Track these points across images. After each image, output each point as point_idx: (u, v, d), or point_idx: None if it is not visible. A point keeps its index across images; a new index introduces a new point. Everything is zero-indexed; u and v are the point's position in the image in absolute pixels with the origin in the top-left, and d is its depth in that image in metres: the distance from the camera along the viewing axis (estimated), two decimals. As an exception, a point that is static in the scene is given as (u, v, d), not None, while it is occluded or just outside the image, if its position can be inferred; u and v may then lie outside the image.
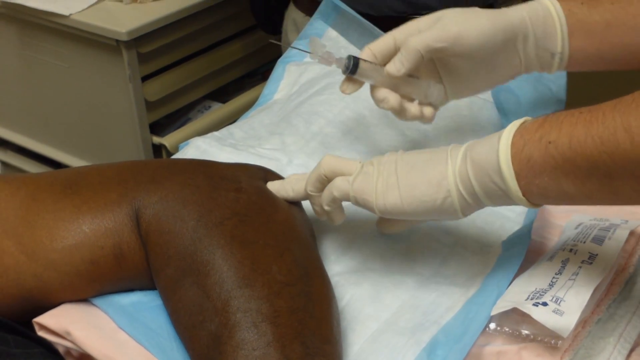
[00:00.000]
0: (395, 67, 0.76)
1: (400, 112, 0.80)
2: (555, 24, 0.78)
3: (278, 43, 0.85)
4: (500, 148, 0.62)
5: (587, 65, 0.81)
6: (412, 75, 0.79)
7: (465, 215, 0.67)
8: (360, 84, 0.79)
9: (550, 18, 0.78)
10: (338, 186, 0.69)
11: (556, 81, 1.04)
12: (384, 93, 0.78)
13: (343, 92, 0.80)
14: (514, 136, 0.63)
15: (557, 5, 0.78)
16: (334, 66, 1.06)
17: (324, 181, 0.71)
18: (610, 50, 0.79)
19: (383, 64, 0.78)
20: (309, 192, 0.72)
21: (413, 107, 0.80)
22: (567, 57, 0.79)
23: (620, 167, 0.57)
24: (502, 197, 0.64)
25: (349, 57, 0.77)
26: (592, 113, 0.59)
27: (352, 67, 0.77)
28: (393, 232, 0.75)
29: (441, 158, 0.66)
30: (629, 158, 0.56)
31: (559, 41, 0.78)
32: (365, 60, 0.77)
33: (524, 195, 0.63)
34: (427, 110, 0.81)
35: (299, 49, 0.81)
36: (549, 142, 0.60)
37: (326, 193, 0.70)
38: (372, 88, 0.80)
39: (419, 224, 0.74)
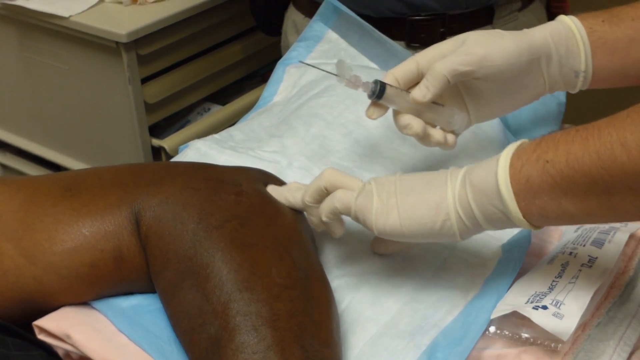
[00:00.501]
0: (421, 92, 0.75)
1: (423, 138, 0.78)
2: (578, 42, 0.77)
3: (309, 64, 0.83)
4: (499, 170, 0.63)
5: (610, 82, 0.81)
6: (435, 102, 0.78)
7: (463, 239, 0.67)
8: (386, 108, 0.78)
9: (572, 37, 0.77)
10: (340, 198, 0.69)
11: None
12: (407, 119, 0.77)
13: (369, 117, 0.79)
14: (512, 158, 0.63)
15: (579, 23, 0.78)
16: (333, 68, 1.07)
17: (323, 194, 0.71)
18: (633, 66, 0.78)
19: (406, 89, 0.77)
20: (307, 203, 0.71)
21: (437, 134, 0.79)
22: (591, 75, 0.79)
23: (618, 182, 0.57)
24: (502, 220, 0.64)
25: (376, 81, 0.76)
26: (587, 130, 0.59)
27: (379, 92, 0.76)
28: (387, 253, 0.75)
29: (440, 181, 0.66)
30: (627, 172, 0.56)
31: (583, 59, 0.78)
32: (391, 86, 0.76)
33: (524, 216, 0.63)
34: (450, 138, 0.80)
35: (326, 71, 0.80)
36: (547, 162, 0.60)
37: (327, 204, 0.70)
38: (395, 113, 0.79)
39: (413, 247, 0.75)
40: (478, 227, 0.66)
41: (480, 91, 0.78)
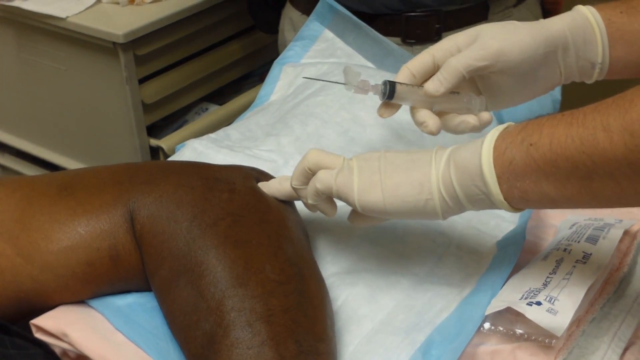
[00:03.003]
0: (434, 86, 0.75)
1: (455, 127, 0.78)
2: (596, 33, 0.76)
3: (313, 78, 0.82)
4: (483, 151, 0.63)
5: (626, 73, 0.79)
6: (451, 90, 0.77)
7: (444, 218, 0.67)
8: (398, 106, 0.78)
9: (589, 28, 0.76)
10: (321, 179, 0.69)
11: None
12: (424, 116, 0.76)
13: (381, 116, 0.78)
14: (497, 140, 0.63)
15: (597, 14, 0.77)
16: (329, 67, 1.07)
17: (309, 175, 0.70)
18: None
19: (422, 82, 0.77)
20: (294, 186, 0.71)
21: (472, 119, 0.77)
22: (608, 66, 0.78)
23: (599, 168, 0.57)
24: (483, 201, 0.64)
25: (385, 82, 0.75)
26: (573, 115, 0.59)
27: (389, 93, 0.75)
28: (365, 226, 0.74)
29: (425, 160, 0.66)
30: (608, 158, 0.56)
31: (600, 51, 0.77)
32: (401, 84, 0.76)
33: (505, 199, 0.63)
34: (485, 116, 0.78)
35: (333, 81, 0.79)
36: (530, 144, 0.60)
37: (310, 186, 0.70)
38: (412, 109, 0.78)
39: (390, 220, 0.74)
40: (461, 207, 0.66)
41: (495, 83, 0.78)
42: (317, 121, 0.94)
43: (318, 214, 0.74)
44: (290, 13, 1.34)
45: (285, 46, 1.19)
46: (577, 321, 0.67)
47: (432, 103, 0.77)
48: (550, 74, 0.78)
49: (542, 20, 0.77)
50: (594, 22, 0.77)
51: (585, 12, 0.77)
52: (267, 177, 0.77)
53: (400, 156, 0.68)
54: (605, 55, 0.77)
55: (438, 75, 0.75)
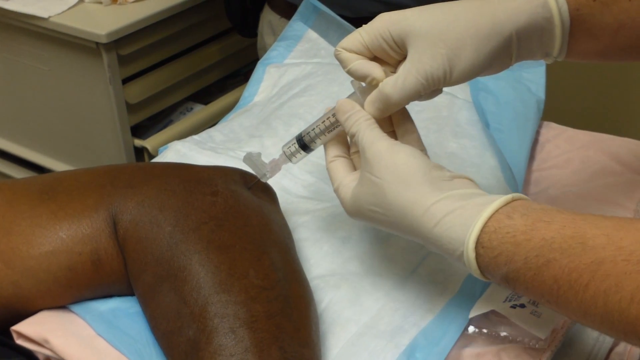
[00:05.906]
0: (395, 92, 0.68)
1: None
2: (556, 30, 0.70)
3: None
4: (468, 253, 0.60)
5: (587, 60, 0.75)
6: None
7: None
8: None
9: (551, 24, 0.70)
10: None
11: (535, 81, 1.04)
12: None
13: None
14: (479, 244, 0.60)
15: (564, 5, 0.69)
16: (313, 67, 1.07)
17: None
18: (616, 52, 0.73)
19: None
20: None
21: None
22: (564, 56, 0.73)
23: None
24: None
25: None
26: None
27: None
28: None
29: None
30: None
31: (557, 45, 0.71)
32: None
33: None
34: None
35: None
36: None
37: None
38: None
39: None
40: None
41: None
42: (300, 122, 0.94)
43: (302, 217, 0.73)
44: (269, 16, 1.33)
45: (264, 49, 1.19)
46: (561, 322, 0.67)
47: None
48: (500, 68, 0.72)
49: (505, 22, 0.69)
50: (557, 18, 0.70)
51: (551, 5, 0.69)
52: (252, 177, 0.76)
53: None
54: (564, 49, 0.72)
55: (399, 80, 0.69)
